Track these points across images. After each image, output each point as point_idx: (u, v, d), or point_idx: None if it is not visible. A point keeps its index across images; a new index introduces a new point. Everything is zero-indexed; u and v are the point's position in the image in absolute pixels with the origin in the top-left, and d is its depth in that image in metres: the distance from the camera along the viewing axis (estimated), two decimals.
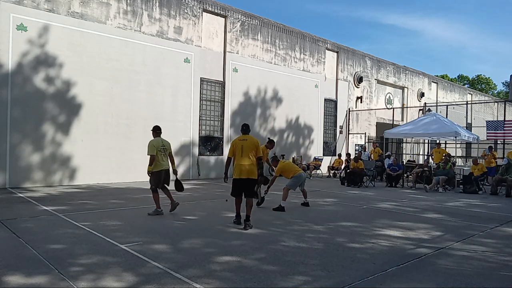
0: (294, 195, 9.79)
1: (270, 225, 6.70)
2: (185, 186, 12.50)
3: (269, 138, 9.57)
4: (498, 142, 17.68)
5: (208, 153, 15.55)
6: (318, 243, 5.56)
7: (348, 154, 18.67)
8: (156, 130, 7.61)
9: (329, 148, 20.98)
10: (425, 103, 24.83)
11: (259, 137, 17.20)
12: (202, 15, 15.17)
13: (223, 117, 15.95)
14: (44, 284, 3.77)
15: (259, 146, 6.56)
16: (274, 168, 9.38)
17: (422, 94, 27.38)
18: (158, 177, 7.40)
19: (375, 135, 23.08)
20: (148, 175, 7.40)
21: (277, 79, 17.82)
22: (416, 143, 24.40)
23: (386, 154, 18.16)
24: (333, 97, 21.09)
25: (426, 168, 14.33)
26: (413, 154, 23.98)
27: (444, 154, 14.82)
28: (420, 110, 24.94)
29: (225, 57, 15.93)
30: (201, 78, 15.16)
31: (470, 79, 59.78)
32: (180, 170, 14.54)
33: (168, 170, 7.59)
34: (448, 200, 10.82)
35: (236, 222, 6.61)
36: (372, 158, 17.34)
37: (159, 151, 7.36)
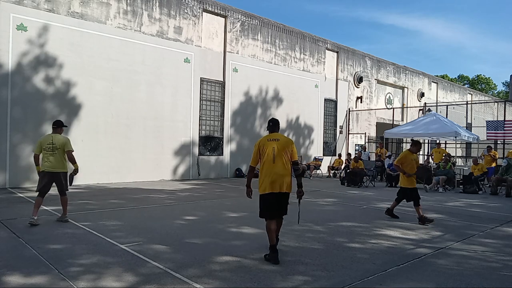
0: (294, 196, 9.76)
1: None
2: (185, 186, 12.63)
3: (412, 140, 8.01)
4: (498, 142, 17.68)
5: (208, 153, 15.55)
6: (318, 243, 5.56)
7: (348, 154, 18.66)
8: (52, 125, 6.66)
9: (329, 148, 20.97)
10: (425, 103, 24.83)
11: (260, 137, 17.16)
12: (202, 15, 15.17)
13: (223, 117, 15.95)
14: (44, 284, 3.77)
15: (294, 147, 4.97)
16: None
17: (422, 94, 27.38)
18: (39, 179, 6.40)
19: (375, 135, 23.08)
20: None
21: (277, 79, 17.82)
22: None
23: (387, 154, 18.15)
24: (333, 97, 21.09)
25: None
26: None
27: (444, 154, 14.82)
28: (420, 110, 24.93)
29: (225, 57, 15.93)
30: (201, 78, 15.16)
31: (470, 79, 59.79)
32: (180, 170, 14.56)
33: (55, 173, 6.35)
34: (448, 200, 10.82)
35: (269, 258, 4.60)
36: (383, 158, 17.06)
37: (44, 149, 6.36)
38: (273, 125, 5.07)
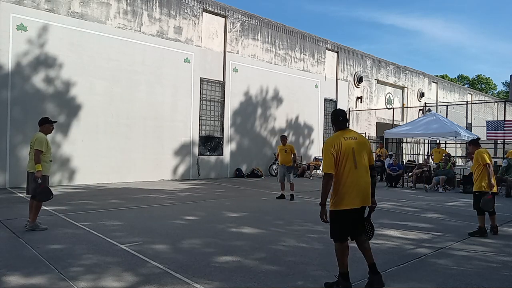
0: (297, 196, 9.81)
1: (270, 225, 6.70)
2: (185, 186, 12.63)
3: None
4: (498, 142, 17.66)
5: (208, 153, 15.55)
6: (318, 243, 5.55)
7: None
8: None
9: None
10: (425, 103, 24.81)
11: (260, 137, 17.23)
12: (202, 15, 15.16)
13: (223, 117, 15.95)
14: (44, 284, 3.77)
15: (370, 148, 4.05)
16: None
17: (422, 94, 27.38)
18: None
19: (375, 135, 23.07)
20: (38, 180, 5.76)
21: (277, 79, 17.81)
22: (416, 143, 24.39)
23: (388, 153, 18.14)
24: (333, 97, 21.09)
25: (426, 168, 14.33)
26: (413, 154, 23.97)
27: (444, 154, 14.82)
28: (420, 110, 24.93)
29: (225, 57, 15.92)
30: (201, 78, 15.16)
31: (470, 79, 59.80)
32: (180, 170, 14.55)
33: (29, 173, 5.97)
34: (448, 200, 10.82)
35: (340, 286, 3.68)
36: (383, 158, 17.08)
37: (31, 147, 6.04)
38: (344, 119, 3.92)
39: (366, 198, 3.72)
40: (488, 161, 6.29)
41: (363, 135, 21.96)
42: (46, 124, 6.20)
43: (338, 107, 21.16)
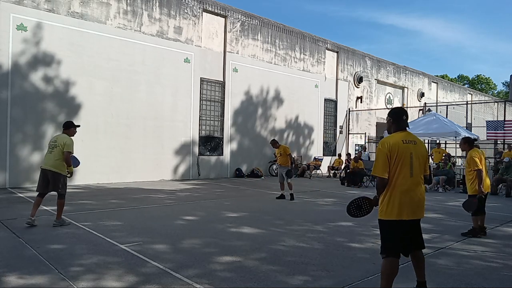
0: (297, 196, 9.82)
1: (270, 225, 6.70)
2: (185, 186, 12.63)
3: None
4: (498, 142, 17.67)
5: (208, 153, 15.55)
6: (318, 243, 5.56)
7: (348, 154, 18.67)
8: (62, 126, 6.73)
9: (329, 148, 20.97)
10: (425, 103, 24.83)
11: (260, 137, 17.23)
12: (202, 15, 15.16)
13: (223, 117, 15.95)
14: (44, 284, 3.77)
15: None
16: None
17: (422, 94, 27.39)
18: (39, 177, 6.38)
19: (375, 135, 23.08)
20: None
21: (277, 79, 17.82)
22: None
23: None
24: (333, 97, 21.09)
25: None
26: None
27: (444, 154, 14.82)
28: (420, 110, 24.93)
29: (225, 57, 15.92)
30: (201, 78, 15.16)
31: (470, 79, 59.79)
32: (180, 170, 14.55)
33: (47, 170, 6.20)
34: (448, 200, 10.82)
35: None
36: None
37: (48, 147, 6.45)
38: (407, 119, 3.50)
39: (419, 210, 3.43)
40: (480, 167, 6.04)
41: (363, 135, 22.15)
42: (71, 128, 6.60)
43: (338, 107, 21.23)
